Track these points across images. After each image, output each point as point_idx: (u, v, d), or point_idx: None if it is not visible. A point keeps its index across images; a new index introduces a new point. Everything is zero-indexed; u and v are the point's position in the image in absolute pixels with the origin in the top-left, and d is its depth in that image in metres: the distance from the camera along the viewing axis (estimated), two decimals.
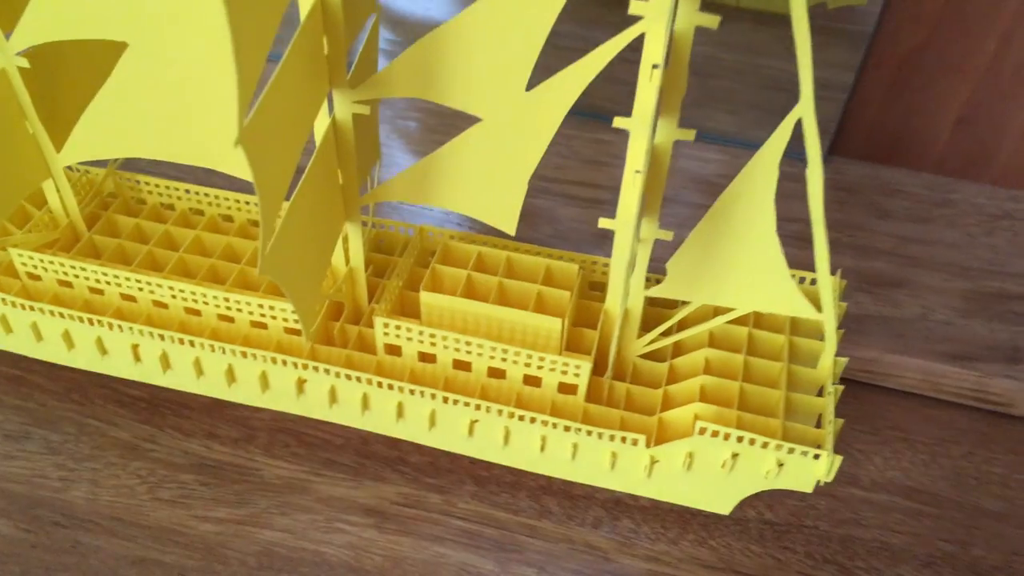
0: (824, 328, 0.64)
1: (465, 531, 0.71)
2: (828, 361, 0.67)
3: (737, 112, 0.98)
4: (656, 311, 0.74)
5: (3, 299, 0.72)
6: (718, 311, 0.68)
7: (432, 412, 0.69)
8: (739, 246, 0.62)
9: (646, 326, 0.71)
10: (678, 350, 0.72)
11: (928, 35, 0.88)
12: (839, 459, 0.62)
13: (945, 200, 0.92)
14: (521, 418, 0.66)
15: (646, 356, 0.71)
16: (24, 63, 0.64)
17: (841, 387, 0.66)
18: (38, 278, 0.73)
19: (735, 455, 0.64)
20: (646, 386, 0.70)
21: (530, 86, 0.58)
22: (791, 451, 0.62)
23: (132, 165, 0.84)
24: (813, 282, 0.73)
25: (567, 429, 0.66)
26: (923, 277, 0.85)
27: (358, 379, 0.68)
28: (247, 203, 0.78)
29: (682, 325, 0.71)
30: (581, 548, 0.71)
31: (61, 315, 0.71)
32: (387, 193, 0.66)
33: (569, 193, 0.94)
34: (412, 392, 0.68)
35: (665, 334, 0.71)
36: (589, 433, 0.66)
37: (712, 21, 0.54)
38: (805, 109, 0.55)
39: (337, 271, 0.72)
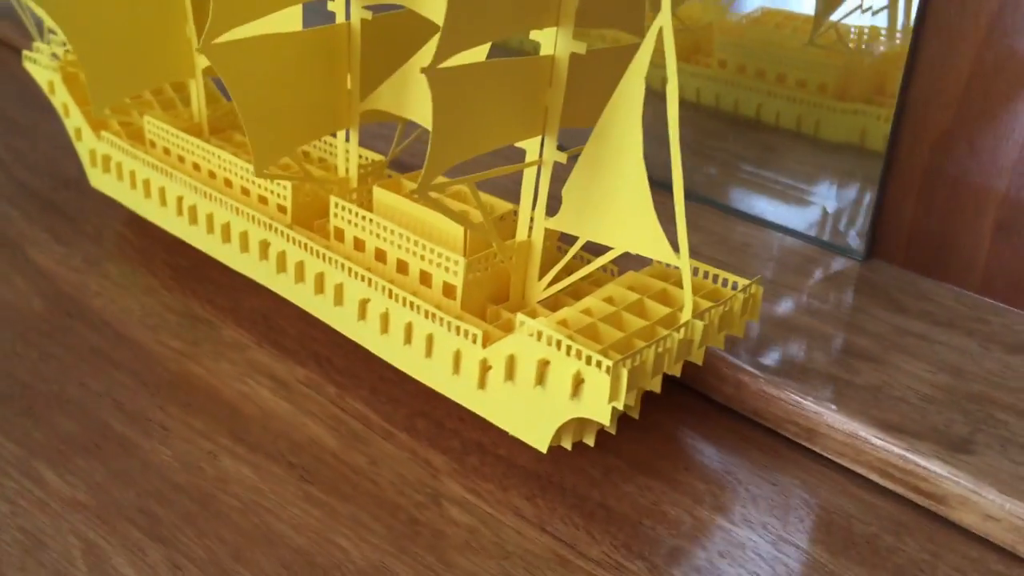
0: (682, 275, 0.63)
1: (335, 417, 0.75)
2: (688, 301, 0.64)
3: None
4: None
5: (110, 141, 0.93)
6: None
7: (339, 286, 0.76)
8: (613, 177, 0.64)
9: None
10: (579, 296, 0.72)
11: (953, 118, 0.82)
12: (624, 379, 0.58)
13: (979, 318, 0.81)
14: (395, 298, 0.71)
15: (548, 304, 0.72)
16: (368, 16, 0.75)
17: (698, 323, 0.63)
18: (154, 145, 0.94)
19: (546, 363, 0.63)
20: None
21: None
22: (589, 361, 0.60)
23: None
24: (733, 284, 0.70)
25: (426, 315, 0.69)
26: (903, 362, 0.75)
27: (301, 244, 0.78)
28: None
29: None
30: (419, 462, 0.71)
31: (142, 162, 0.90)
32: (374, 101, 0.78)
33: None
34: (327, 260, 0.75)
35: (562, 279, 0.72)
36: (438, 321, 0.68)
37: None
38: (664, 19, 0.60)
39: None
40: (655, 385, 0.64)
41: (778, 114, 1.15)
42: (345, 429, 0.74)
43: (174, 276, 0.93)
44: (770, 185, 1.02)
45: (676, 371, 0.66)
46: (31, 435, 0.73)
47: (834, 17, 1.00)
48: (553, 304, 0.72)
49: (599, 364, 0.59)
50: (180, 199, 0.89)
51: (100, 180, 0.99)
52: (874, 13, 0.93)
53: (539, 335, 0.62)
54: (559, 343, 0.61)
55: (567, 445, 0.68)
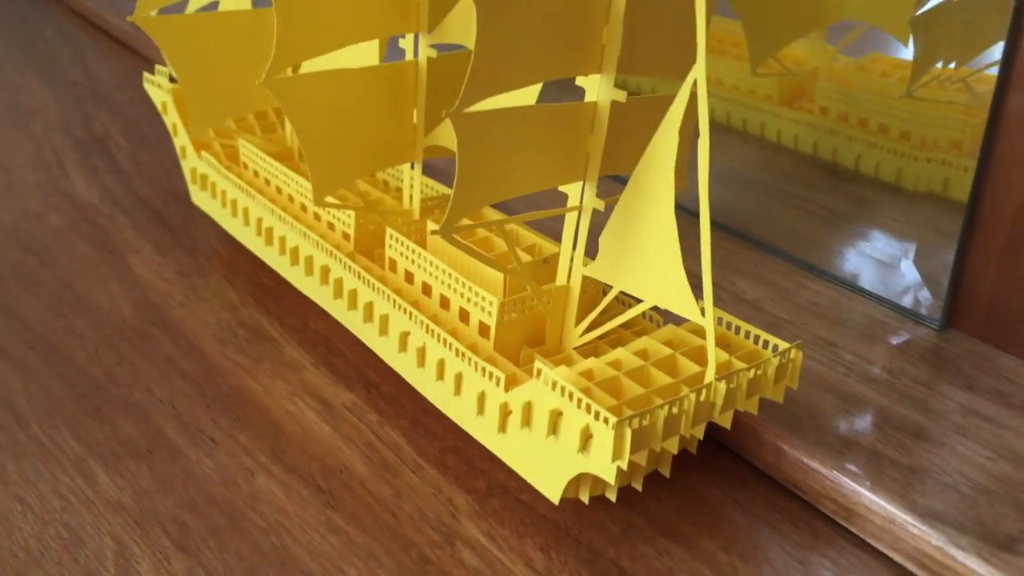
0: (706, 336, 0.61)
1: (370, 445, 0.76)
2: (711, 363, 0.61)
3: None
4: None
5: (209, 161, 0.98)
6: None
7: (384, 316, 0.77)
8: (645, 228, 0.63)
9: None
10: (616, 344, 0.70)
11: None
12: (628, 438, 0.56)
13: None
14: (431, 333, 0.72)
15: (584, 351, 0.71)
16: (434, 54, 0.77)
17: (720, 386, 0.60)
18: (246, 167, 0.99)
19: (559, 413, 0.62)
20: None
21: None
22: (597, 416, 0.58)
23: None
24: (773, 347, 0.67)
25: (457, 353, 0.69)
26: (960, 445, 0.69)
27: (354, 272, 0.80)
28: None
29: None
30: (442, 499, 0.71)
31: (231, 183, 0.95)
32: (438, 137, 0.79)
33: None
34: (375, 290, 0.77)
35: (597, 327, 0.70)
36: (467, 360, 0.68)
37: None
38: (699, 71, 0.58)
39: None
40: (671, 446, 0.62)
41: (878, 165, 1.10)
42: (377, 458, 0.75)
43: (254, 293, 0.97)
44: (853, 241, 0.97)
45: (698, 433, 0.64)
46: (94, 434, 0.78)
47: (937, 66, 0.94)
48: (590, 351, 0.71)
49: (605, 420, 0.58)
50: (260, 220, 0.93)
51: (199, 197, 1.05)
52: (973, 65, 0.87)
53: (554, 384, 0.61)
54: (571, 394, 0.60)
55: (584, 498, 0.67)
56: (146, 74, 1.09)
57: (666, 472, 0.70)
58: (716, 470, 0.74)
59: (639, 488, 0.68)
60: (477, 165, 0.61)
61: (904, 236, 0.93)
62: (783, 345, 0.66)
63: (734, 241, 1.02)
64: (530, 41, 0.60)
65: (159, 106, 1.08)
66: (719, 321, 0.70)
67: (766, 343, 0.67)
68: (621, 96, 0.64)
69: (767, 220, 1.06)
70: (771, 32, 1.08)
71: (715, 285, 0.93)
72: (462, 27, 0.74)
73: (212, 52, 0.93)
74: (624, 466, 0.58)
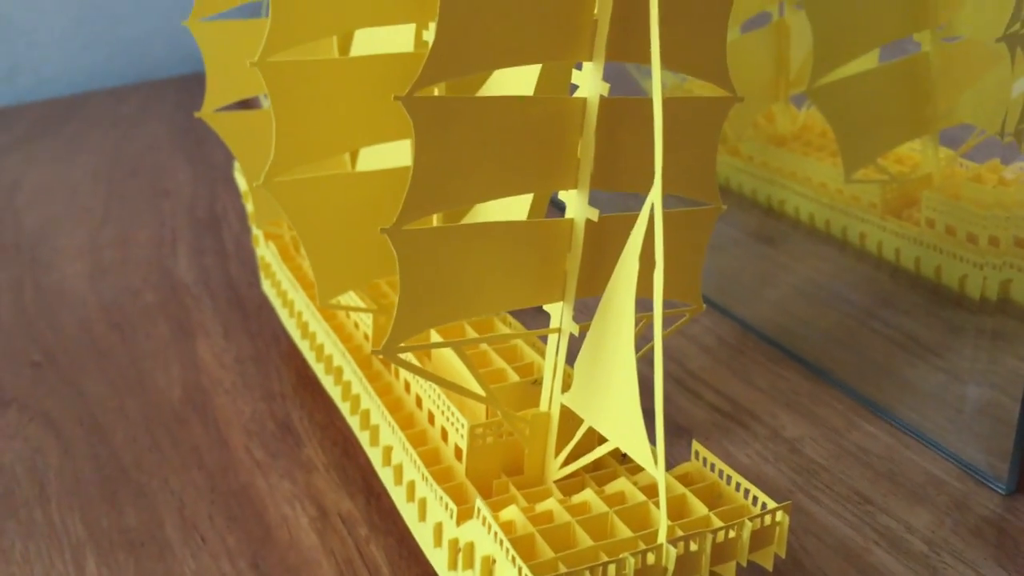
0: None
1: (350, 563, 0.73)
2: (662, 522, 0.53)
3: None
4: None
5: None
6: None
7: (375, 427, 0.73)
8: (609, 360, 0.57)
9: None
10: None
11: None
12: None
13: None
14: (405, 451, 0.67)
15: (566, 483, 0.65)
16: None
17: (671, 549, 0.52)
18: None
19: (493, 561, 0.55)
20: None
21: None
22: (520, 572, 0.52)
23: None
24: (763, 506, 0.58)
25: (422, 477, 0.65)
26: None
27: (357, 376, 0.77)
28: None
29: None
30: None
31: (283, 276, 0.95)
32: None
33: None
34: (370, 398, 0.74)
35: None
36: (429, 486, 0.63)
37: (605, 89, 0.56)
38: (656, 194, 0.53)
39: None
40: None
41: (984, 285, 0.96)
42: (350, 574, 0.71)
43: (296, 385, 0.96)
44: (931, 378, 0.84)
45: None
46: (100, 521, 0.79)
47: None
48: (575, 486, 0.65)
49: None
50: (300, 314, 0.92)
51: (264, 285, 1.06)
52: None
53: (489, 528, 0.56)
54: (502, 542, 0.54)
55: None
56: (237, 163, 1.13)
57: None
58: None
59: None
60: (423, 284, 0.57)
61: (994, 379, 0.80)
62: (770, 504, 0.57)
63: (791, 366, 0.91)
64: (492, 152, 0.56)
65: (243, 194, 1.11)
66: (711, 468, 0.62)
67: (755, 499, 0.58)
68: (594, 215, 0.58)
69: (837, 345, 0.94)
70: (868, 135, 0.98)
71: (752, 417, 0.83)
72: None
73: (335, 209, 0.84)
74: None
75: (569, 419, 0.65)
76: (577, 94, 0.57)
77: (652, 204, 0.52)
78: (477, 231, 0.58)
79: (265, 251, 1.04)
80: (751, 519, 0.56)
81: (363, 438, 0.77)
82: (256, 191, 0.93)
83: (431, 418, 0.71)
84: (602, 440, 0.65)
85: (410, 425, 0.72)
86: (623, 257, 0.55)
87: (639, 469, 0.65)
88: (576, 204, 0.59)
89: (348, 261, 0.75)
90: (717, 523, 0.56)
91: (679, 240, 0.63)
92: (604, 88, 0.56)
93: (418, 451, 0.67)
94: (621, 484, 0.61)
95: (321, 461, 0.84)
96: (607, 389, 0.57)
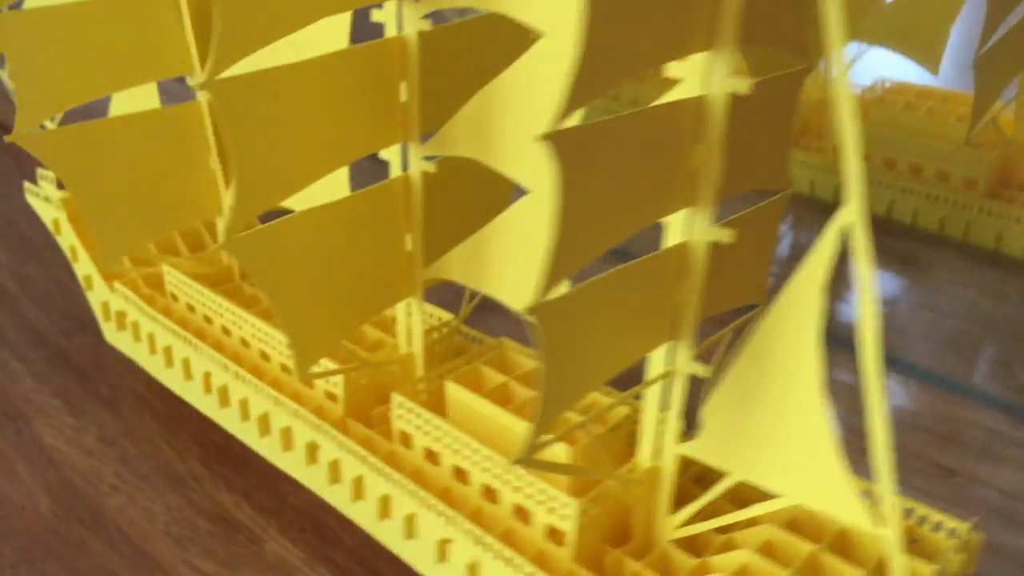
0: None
1: None
2: None
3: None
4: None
5: (127, 298, 0.78)
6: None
7: (410, 516, 0.59)
8: (777, 406, 0.48)
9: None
10: (730, 542, 0.55)
11: None
12: None
13: None
14: (487, 548, 0.55)
15: (684, 543, 0.56)
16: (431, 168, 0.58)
17: None
18: (176, 299, 0.79)
19: None
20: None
21: None
22: None
23: None
24: (950, 531, 0.53)
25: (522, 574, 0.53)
26: None
27: (358, 455, 0.62)
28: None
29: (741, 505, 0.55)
30: None
31: (161, 325, 0.75)
32: (442, 270, 0.62)
33: None
34: (395, 483, 0.59)
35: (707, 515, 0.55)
36: None
37: (743, 86, 0.45)
38: (852, 213, 0.43)
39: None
40: None
41: (915, 213, 0.98)
42: None
43: (205, 459, 0.77)
44: None
45: None
46: None
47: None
48: (692, 544, 0.55)
49: None
50: (207, 375, 0.73)
51: (116, 337, 0.84)
52: None
53: None
54: None
55: None
56: (27, 184, 0.88)
57: None
58: None
59: None
60: (570, 360, 0.44)
61: None
62: (961, 528, 0.52)
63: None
64: (627, 179, 0.44)
65: (49, 225, 0.86)
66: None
67: (938, 525, 0.53)
68: (727, 236, 0.48)
69: None
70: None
71: None
72: (469, 133, 0.56)
73: (115, 164, 0.73)
74: None
75: (681, 471, 0.55)
76: (694, 92, 0.46)
77: (841, 226, 0.42)
78: (609, 282, 0.45)
79: (111, 297, 0.81)
80: (957, 542, 0.50)
81: (385, 528, 0.62)
82: (95, 224, 0.72)
83: (489, 494, 0.58)
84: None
85: (454, 504, 0.58)
86: (798, 284, 0.45)
87: (744, 502, 0.57)
88: (696, 225, 0.48)
89: (327, 316, 0.59)
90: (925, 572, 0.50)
91: (756, 238, 0.54)
92: (739, 85, 0.45)
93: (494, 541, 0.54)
94: (765, 533, 0.53)
95: (298, 556, 0.68)
96: (775, 438, 0.48)
